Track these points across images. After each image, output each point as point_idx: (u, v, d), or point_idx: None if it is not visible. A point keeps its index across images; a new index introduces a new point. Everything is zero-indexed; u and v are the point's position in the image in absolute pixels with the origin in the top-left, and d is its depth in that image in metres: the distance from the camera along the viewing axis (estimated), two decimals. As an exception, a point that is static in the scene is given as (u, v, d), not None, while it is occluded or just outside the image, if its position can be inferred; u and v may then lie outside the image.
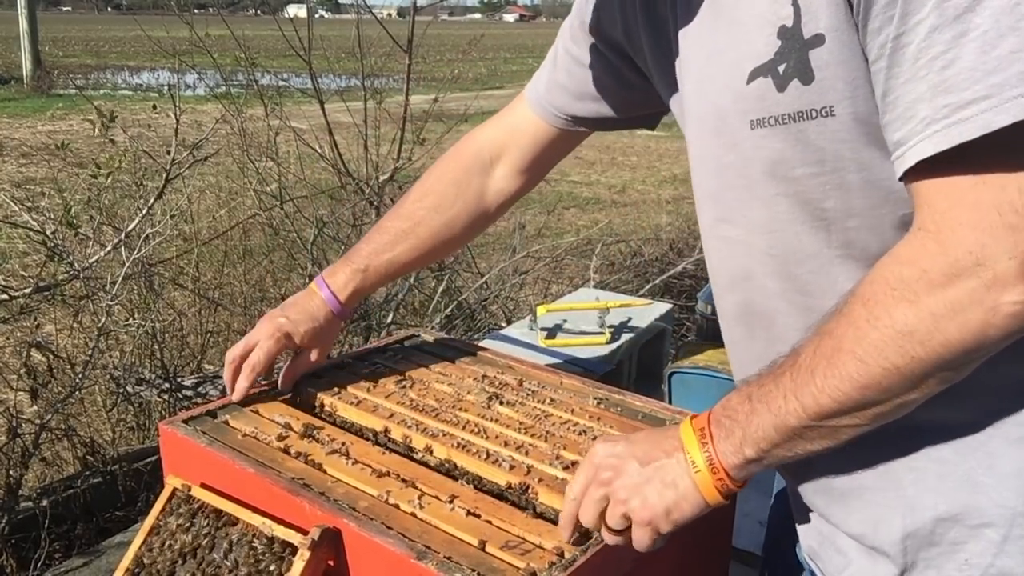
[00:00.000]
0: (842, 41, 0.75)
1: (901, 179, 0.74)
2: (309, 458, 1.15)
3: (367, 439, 1.23)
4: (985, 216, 0.68)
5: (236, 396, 1.29)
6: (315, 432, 1.23)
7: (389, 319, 3.52)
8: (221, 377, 3.18)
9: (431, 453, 1.20)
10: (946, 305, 0.69)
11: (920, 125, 0.70)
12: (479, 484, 1.12)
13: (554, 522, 1.01)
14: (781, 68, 0.80)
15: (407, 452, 1.21)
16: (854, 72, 0.76)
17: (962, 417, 0.83)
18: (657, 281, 4.48)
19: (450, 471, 1.15)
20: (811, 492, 0.97)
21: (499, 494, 1.10)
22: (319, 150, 3.75)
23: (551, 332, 2.11)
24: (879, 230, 0.82)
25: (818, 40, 0.76)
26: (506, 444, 1.19)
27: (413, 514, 1.02)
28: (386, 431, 1.25)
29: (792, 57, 0.78)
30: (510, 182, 1.34)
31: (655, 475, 0.87)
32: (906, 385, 0.74)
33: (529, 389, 1.39)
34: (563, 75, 1.22)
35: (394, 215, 1.36)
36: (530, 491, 1.09)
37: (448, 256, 1.36)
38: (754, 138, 0.84)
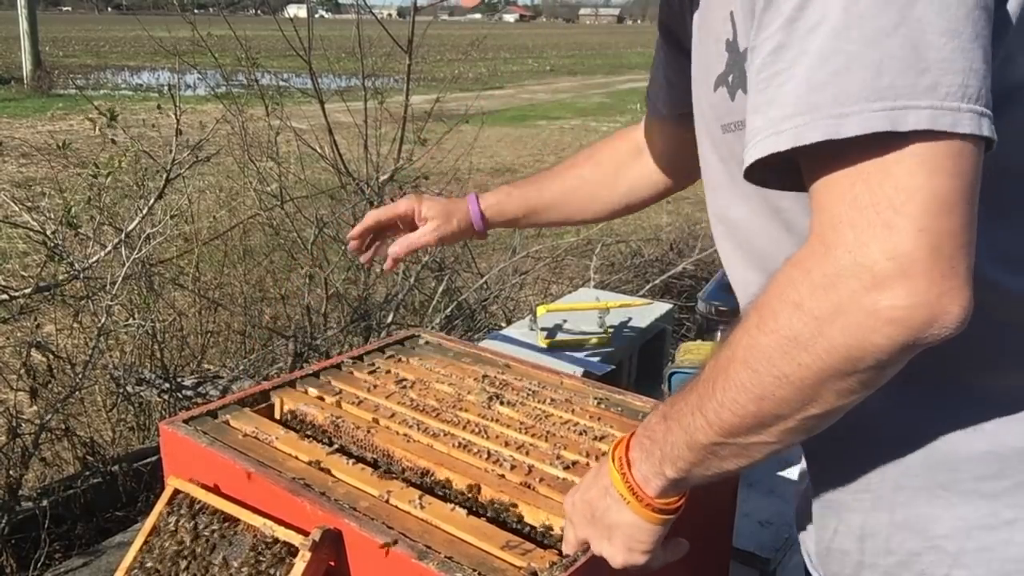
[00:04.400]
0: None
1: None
2: (313, 459, 1.15)
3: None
4: (863, 213, 0.66)
5: (353, 233, 1.44)
6: (338, 421, 1.23)
7: (389, 319, 3.53)
8: (221, 377, 3.20)
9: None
10: (828, 307, 0.67)
11: (750, 134, 0.71)
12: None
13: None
14: (730, 79, 0.84)
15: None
16: None
17: (931, 425, 0.83)
18: (657, 281, 4.49)
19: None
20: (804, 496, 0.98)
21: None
22: (319, 150, 3.75)
23: (551, 332, 2.11)
24: None
25: (747, 54, 0.79)
26: (507, 444, 1.19)
27: (410, 513, 1.02)
28: (387, 431, 1.25)
29: (736, 69, 0.83)
30: (658, 174, 1.38)
31: (601, 520, 0.88)
32: (801, 396, 0.71)
33: (529, 389, 1.39)
34: (658, 71, 1.26)
35: (552, 171, 1.45)
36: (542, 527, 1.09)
37: (580, 223, 1.49)
38: (727, 140, 0.88)
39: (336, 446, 1.20)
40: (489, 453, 1.17)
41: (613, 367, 2.01)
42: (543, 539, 1.01)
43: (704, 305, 2.32)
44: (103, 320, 2.64)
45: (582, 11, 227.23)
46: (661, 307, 2.37)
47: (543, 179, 1.44)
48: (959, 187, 0.64)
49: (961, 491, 0.82)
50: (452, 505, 1.04)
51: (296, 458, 1.15)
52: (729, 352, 0.74)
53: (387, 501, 1.05)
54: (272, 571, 1.02)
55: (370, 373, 1.44)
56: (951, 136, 0.63)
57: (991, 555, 0.81)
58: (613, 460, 0.86)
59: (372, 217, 1.44)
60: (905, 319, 0.64)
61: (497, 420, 1.27)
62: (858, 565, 0.90)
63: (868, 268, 0.64)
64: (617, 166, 1.40)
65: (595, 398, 1.36)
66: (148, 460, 2.68)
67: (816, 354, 0.68)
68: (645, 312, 2.29)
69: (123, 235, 2.77)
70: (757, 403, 0.72)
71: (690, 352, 2.06)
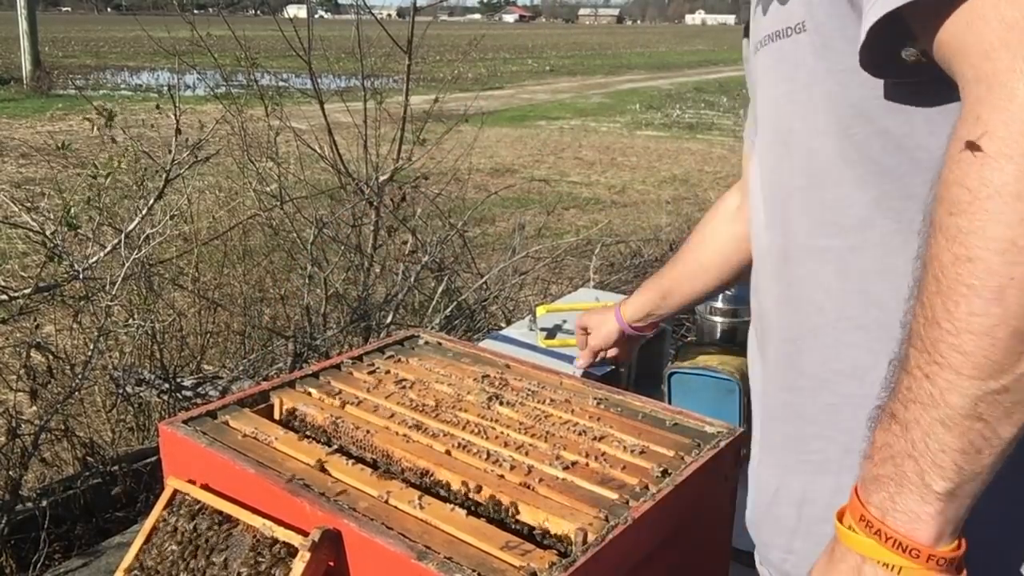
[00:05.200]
0: None
1: (870, 69, 0.70)
2: (315, 457, 1.15)
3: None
4: (1014, 29, 0.57)
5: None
6: (338, 421, 1.24)
7: (389, 319, 3.52)
8: (221, 377, 3.20)
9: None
10: (1016, 138, 0.56)
11: None
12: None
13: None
14: None
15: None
16: None
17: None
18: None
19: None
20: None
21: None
22: (319, 150, 3.75)
23: (551, 332, 2.11)
24: (835, 155, 0.79)
25: None
26: (506, 444, 1.19)
27: (410, 513, 1.02)
28: (387, 431, 1.25)
29: None
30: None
31: None
32: None
33: (529, 389, 1.39)
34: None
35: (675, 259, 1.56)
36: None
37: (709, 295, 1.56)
38: (756, 63, 0.87)
39: (335, 446, 1.20)
40: (488, 453, 1.17)
41: (613, 367, 2.01)
42: (542, 539, 1.01)
43: (704, 305, 2.31)
44: (103, 320, 2.64)
45: (581, 11, 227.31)
46: (661, 307, 2.37)
47: (668, 270, 1.55)
48: None
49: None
50: (452, 505, 1.04)
51: (295, 458, 1.15)
52: (933, 269, 0.61)
53: (387, 501, 1.05)
54: (272, 571, 1.02)
55: (370, 373, 1.44)
56: None
57: None
58: (853, 529, 0.66)
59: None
60: None
61: (497, 420, 1.27)
62: (792, 533, 0.85)
63: None
64: (718, 239, 1.42)
65: (595, 398, 1.36)
66: (148, 460, 2.68)
67: None
68: (645, 312, 2.28)
69: (123, 235, 2.77)
70: (998, 297, 0.57)
71: (689, 353, 2.06)
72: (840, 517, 0.68)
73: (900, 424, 0.62)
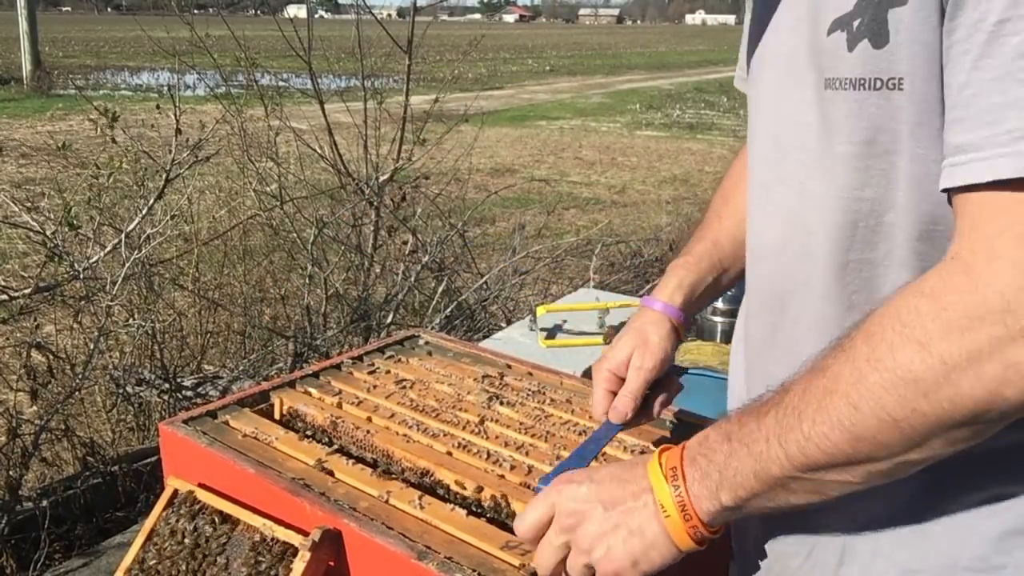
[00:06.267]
0: (924, 4, 0.65)
1: (947, 189, 0.64)
2: (315, 457, 1.15)
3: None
4: (1019, 265, 0.58)
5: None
6: (338, 421, 1.24)
7: (389, 319, 3.53)
8: (221, 377, 3.20)
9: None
10: (961, 353, 0.59)
11: (1005, 136, 0.59)
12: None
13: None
14: (856, 23, 0.70)
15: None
16: (931, 43, 0.66)
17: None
18: (657, 281, 4.48)
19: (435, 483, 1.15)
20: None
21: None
22: (319, 150, 3.76)
23: (551, 332, 2.11)
24: (909, 237, 0.73)
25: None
26: (506, 444, 1.19)
27: (410, 513, 1.02)
28: (387, 431, 1.25)
29: (868, 12, 0.68)
30: None
31: (621, 521, 0.77)
32: (905, 443, 0.63)
33: (529, 389, 1.39)
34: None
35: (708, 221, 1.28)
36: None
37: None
38: (823, 99, 0.75)
39: (336, 446, 1.20)
40: (489, 453, 1.17)
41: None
42: (543, 539, 1.01)
43: (704, 305, 2.31)
44: (103, 320, 2.64)
45: (582, 11, 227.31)
46: (661, 307, 2.37)
47: (708, 231, 1.23)
48: None
49: (953, 525, 0.76)
50: (452, 505, 1.04)
51: (296, 458, 1.15)
52: (826, 382, 0.66)
53: (387, 501, 1.05)
54: (272, 571, 1.02)
55: (370, 373, 1.44)
56: None
57: None
58: (661, 467, 0.77)
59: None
60: None
61: (497, 420, 1.27)
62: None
63: (1020, 317, 0.57)
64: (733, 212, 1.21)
65: (595, 398, 1.36)
66: (148, 460, 2.68)
67: (937, 402, 0.60)
68: (645, 312, 2.28)
69: (123, 235, 2.77)
70: (852, 444, 0.65)
71: (690, 352, 2.06)
72: (662, 454, 0.78)
73: (730, 447, 0.73)
